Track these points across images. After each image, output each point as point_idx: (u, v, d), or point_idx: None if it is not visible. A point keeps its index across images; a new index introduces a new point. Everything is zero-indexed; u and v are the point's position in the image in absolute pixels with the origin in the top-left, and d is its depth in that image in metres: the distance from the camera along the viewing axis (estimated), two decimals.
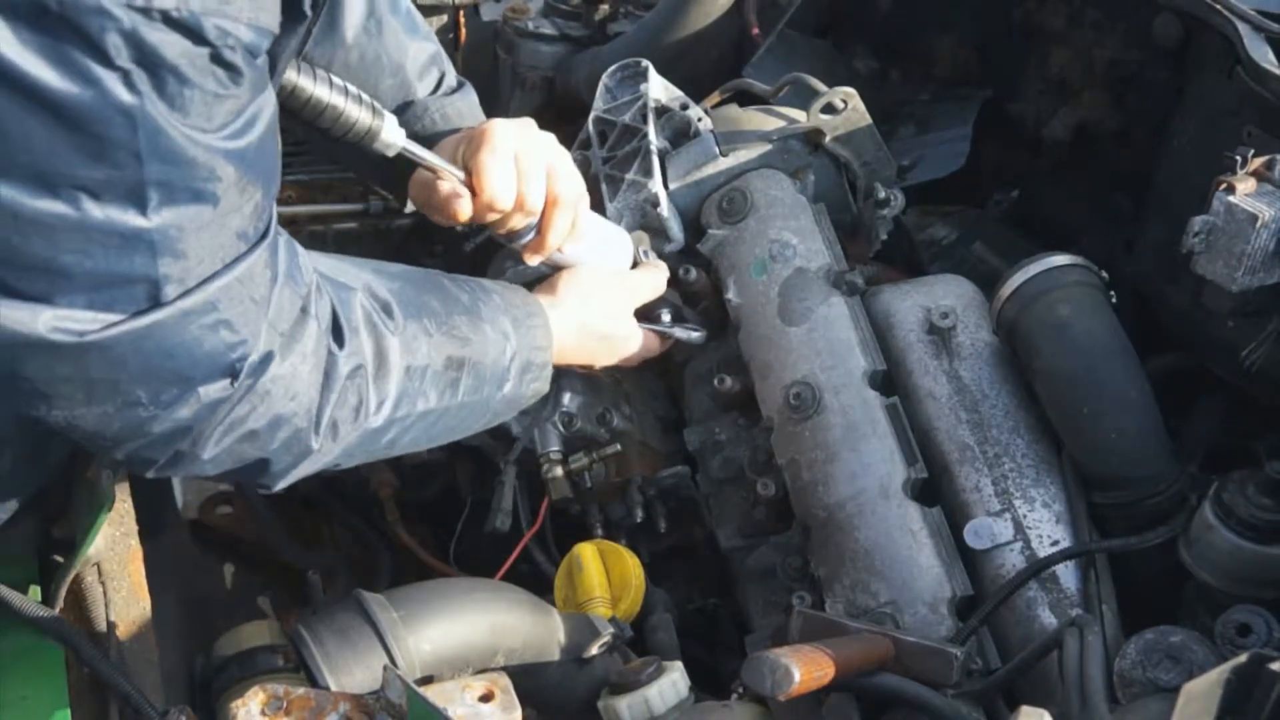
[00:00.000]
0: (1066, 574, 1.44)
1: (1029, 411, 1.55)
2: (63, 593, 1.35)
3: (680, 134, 1.80)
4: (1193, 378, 1.60)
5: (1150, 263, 1.69)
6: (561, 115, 2.02)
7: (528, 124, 1.50)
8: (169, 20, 0.93)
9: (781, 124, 1.79)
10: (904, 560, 1.46)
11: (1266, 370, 1.45)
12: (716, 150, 1.76)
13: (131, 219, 0.98)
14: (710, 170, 1.76)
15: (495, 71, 2.27)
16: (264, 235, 1.13)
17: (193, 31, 0.95)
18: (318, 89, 1.32)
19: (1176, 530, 1.41)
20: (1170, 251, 1.45)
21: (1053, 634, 1.30)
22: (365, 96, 1.36)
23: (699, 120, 1.78)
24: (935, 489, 1.54)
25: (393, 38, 1.55)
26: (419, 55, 1.57)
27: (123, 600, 1.35)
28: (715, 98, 1.90)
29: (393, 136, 1.38)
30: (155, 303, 1.03)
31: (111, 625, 1.33)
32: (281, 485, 1.27)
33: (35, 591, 1.36)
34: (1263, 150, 1.40)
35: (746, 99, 1.88)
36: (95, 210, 0.96)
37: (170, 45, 0.94)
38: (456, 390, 1.36)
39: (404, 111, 1.55)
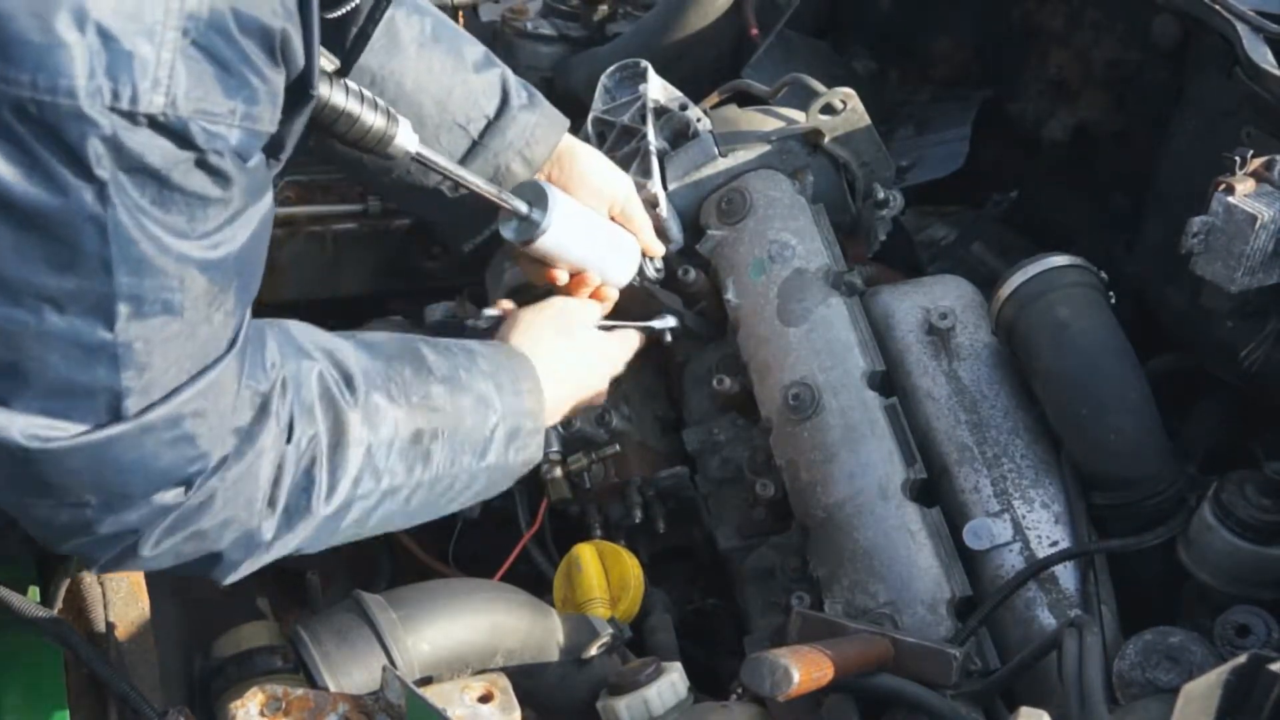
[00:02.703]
0: (1065, 575, 1.44)
1: (1028, 412, 1.54)
2: (62, 593, 1.34)
3: (679, 134, 1.80)
4: (1192, 378, 1.60)
5: (1149, 263, 1.69)
6: None
7: (598, 156, 1.59)
8: (154, 124, 0.89)
9: (780, 125, 1.79)
10: (903, 561, 1.45)
11: (1265, 370, 1.45)
12: (715, 151, 1.76)
13: (98, 332, 0.95)
14: (709, 171, 1.76)
15: None
16: (233, 342, 1.08)
17: (178, 135, 0.91)
18: (334, 95, 1.29)
19: (1175, 531, 1.41)
20: (1169, 252, 1.45)
21: (1052, 635, 1.30)
22: (380, 102, 1.34)
23: (698, 121, 1.78)
24: (934, 489, 1.53)
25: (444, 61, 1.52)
26: (470, 87, 1.53)
27: (121, 601, 1.35)
28: (714, 98, 1.90)
29: (407, 141, 1.37)
30: (116, 416, 1.00)
31: (110, 626, 1.33)
32: (234, 578, 1.19)
33: (34, 592, 1.36)
34: (1262, 150, 1.40)
35: (745, 99, 1.88)
36: (58, 321, 0.93)
37: (153, 150, 0.90)
38: (429, 463, 1.29)
39: (474, 154, 1.53)
